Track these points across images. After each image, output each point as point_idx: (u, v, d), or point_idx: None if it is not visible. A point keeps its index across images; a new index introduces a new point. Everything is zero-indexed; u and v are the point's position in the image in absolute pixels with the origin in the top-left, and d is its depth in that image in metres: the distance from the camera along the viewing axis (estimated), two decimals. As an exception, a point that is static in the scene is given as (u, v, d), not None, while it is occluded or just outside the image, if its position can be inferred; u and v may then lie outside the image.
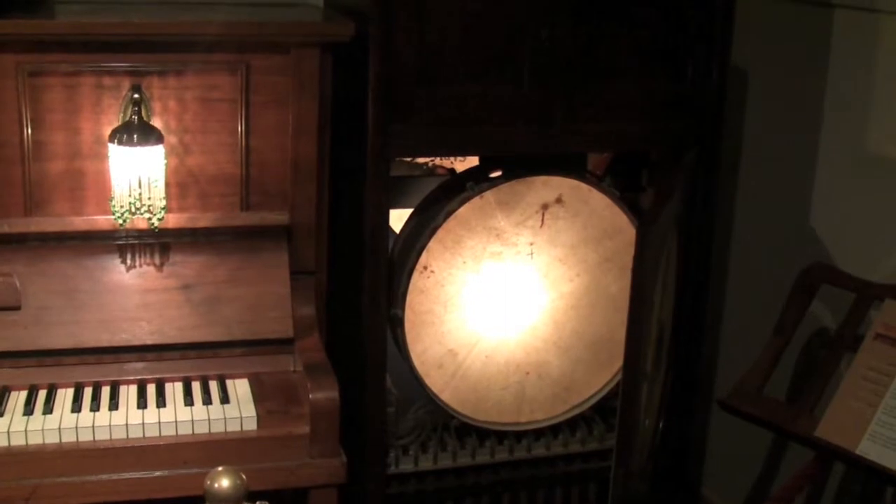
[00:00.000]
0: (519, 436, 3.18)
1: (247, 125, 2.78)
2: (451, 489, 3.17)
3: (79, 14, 2.89)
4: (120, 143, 2.58)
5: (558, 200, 2.98)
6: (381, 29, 2.70)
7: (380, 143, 2.76)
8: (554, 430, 3.23)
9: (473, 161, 3.15)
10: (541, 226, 2.98)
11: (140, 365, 2.76)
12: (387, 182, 2.79)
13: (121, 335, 2.73)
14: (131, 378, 2.73)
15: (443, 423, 3.12)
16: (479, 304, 2.99)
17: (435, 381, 3.01)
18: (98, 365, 2.75)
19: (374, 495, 3.01)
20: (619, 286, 3.11)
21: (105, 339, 2.72)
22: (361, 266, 2.85)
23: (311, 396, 2.57)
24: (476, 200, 2.90)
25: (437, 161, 3.24)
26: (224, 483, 1.97)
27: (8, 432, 2.52)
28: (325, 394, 2.58)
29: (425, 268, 2.90)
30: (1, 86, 2.67)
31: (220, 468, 2.00)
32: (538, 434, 3.20)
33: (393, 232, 2.96)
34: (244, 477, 1.98)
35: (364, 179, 2.79)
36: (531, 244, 2.99)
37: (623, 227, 3.07)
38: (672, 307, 3.04)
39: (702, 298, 3.14)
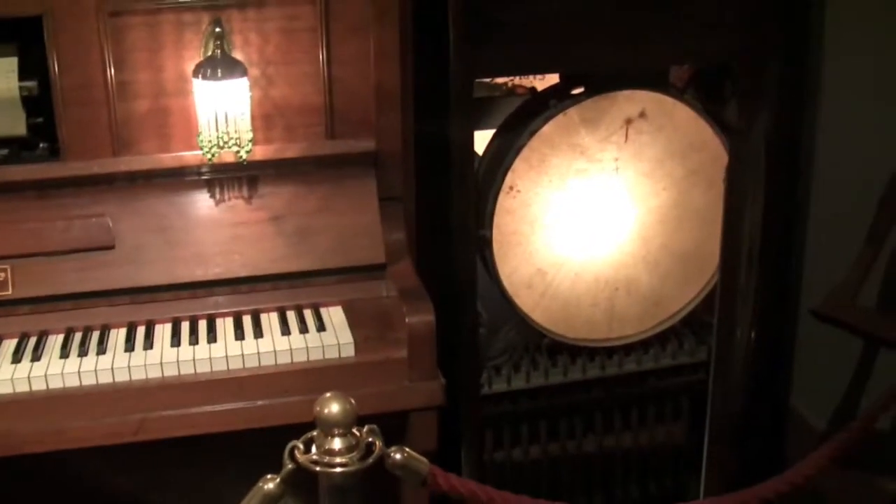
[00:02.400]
0: (610, 352, 3.19)
1: (328, 54, 2.77)
2: (544, 408, 3.19)
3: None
4: (204, 77, 2.58)
5: (642, 115, 2.95)
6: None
7: (462, 65, 2.74)
8: (644, 345, 3.22)
9: (553, 80, 3.11)
10: (625, 141, 2.95)
11: (234, 297, 2.78)
12: (470, 103, 2.78)
13: (214, 269, 2.75)
14: (226, 311, 2.76)
15: (534, 342, 3.12)
16: (566, 222, 2.98)
17: (525, 301, 3.01)
18: (193, 299, 2.77)
19: (470, 416, 3.03)
20: (706, 199, 3.08)
21: (199, 274, 2.74)
22: (448, 189, 2.84)
23: (407, 320, 2.57)
24: (559, 118, 2.88)
25: (517, 80, 3.22)
26: (334, 408, 1.98)
27: (112, 369, 2.55)
28: (421, 317, 2.59)
29: (511, 188, 2.89)
30: (83, 28, 2.67)
31: (328, 394, 2.01)
32: (629, 350, 3.20)
33: (476, 154, 2.94)
34: (353, 401, 1.99)
35: (447, 102, 2.78)
36: (616, 160, 2.97)
37: (707, 140, 3.04)
38: (761, 219, 3.00)
39: (791, 210, 3.10)
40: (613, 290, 3.08)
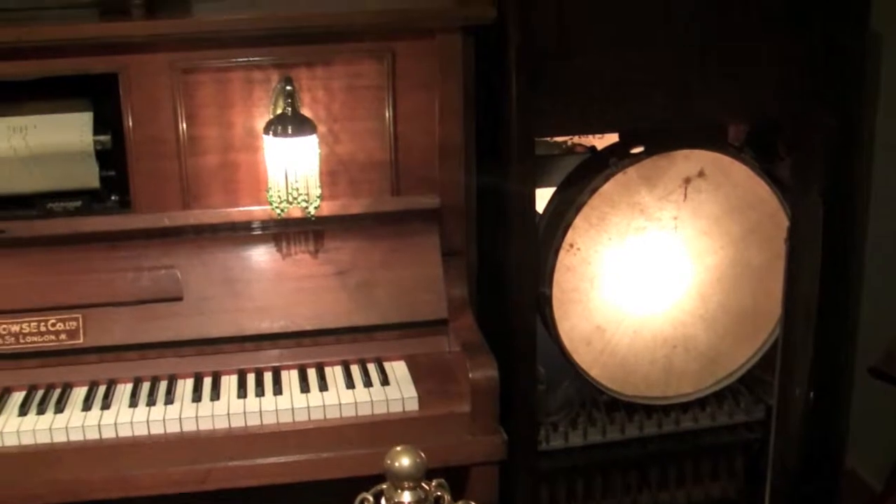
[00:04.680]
0: (667, 409, 3.20)
1: (394, 111, 2.82)
2: (600, 463, 3.20)
3: (217, 10, 2.96)
4: (275, 134, 2.63)
5: (700, 174, 2.98)
6: (519, 7, 2.71)
7: (523, 123, 2.78)
8: (701, 402, 3.23)
9: (612, 138, 3.15)
10: (684, 199, 2.98)
11: (299, 350, 2.82)
12: (532, 161, 2.82)
13: (279, 322, 2.79)
14: (291, 363, 2.80)
15: (591, 399, 3.14)
16: (625, 279, 3.00)
17: (583, 358, 3.03)
18: (258, 351, 2.82)
19: (527, 471, 3.04)
20: (763, 257, 3.10)
21: (264, 326, 2.79)
22: (509, 245, 2.88)
23: (470, 375, 2.60)
24: (619, 176, 2.92)
25: (577, 139, 3.26)
26: (405, 461, 2.01)
27: (180, 419, 2.59)
28: (485, 372, 2.62)
29: (571, 245, 2.92)
30: (156, 84, 2.74)
31: (399, 447, 2.04)
32: (685, 407, 3.21)
33: (536, 211, 2.98)
34: (423, 455, 2.01)
35: (509, 159, 2.82)
36: (675, 218, 2.99)
37: (765, 198, 3.06)
38: (819, 276, 3.02)
39: (848, 266, 3.11)
40: (671, 347, 3.09)
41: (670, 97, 2.84)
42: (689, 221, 3.00)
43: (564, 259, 2.92)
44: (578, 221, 2.91)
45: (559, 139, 3.25)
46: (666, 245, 3.01)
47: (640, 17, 2.77)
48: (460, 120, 2.83)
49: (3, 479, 2.55)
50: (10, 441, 2.57)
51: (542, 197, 3.09)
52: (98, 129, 2.83)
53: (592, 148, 3.22)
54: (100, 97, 2.85)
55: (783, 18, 2.87)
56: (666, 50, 2.80)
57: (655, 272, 3.02)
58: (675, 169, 2.94)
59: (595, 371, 3.05)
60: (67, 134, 2.82)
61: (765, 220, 3.06)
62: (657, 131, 2.98)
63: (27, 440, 2.57)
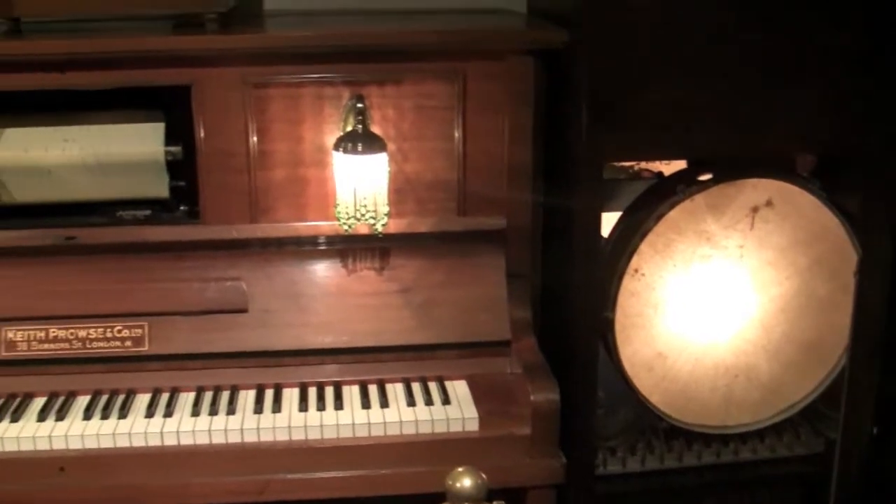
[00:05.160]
0: (726, 439, 3.17)
1: (463, 131, 2.83)
2: (657, 490, 3.18)
3: (289, 26, 3.00)
4: (345, 151, 2.65)
5: (768, 203, 2.96)
6: (590, 34, 2.71)
7: (591, 148, 2.78)
8: (760, 433, 3.20)
9: (679, 164, 3.14)
10: (750, 229, 2.97)
11: (360, 366, 2.83)
12: (599, 186, 2.82)
13: (342, 337, 2.81)
14: (352, 379, 2.81)
15: (651, 425, 3.12)
16: (689, 307, 2.99)
17: (644, 384, 3.02)
18: (320, 365, 2.84)
19: (583, 496, 3.03)
20: (828, 289, 3.07)
21: (327, 341, 2.80)
22: (573, 269, 2.87)
23: (532, 398, 2.60)
24: (686, 203, 2.91)
25: (644, 164, 3.25)
26: (466, 482, 2.01)
27: (241, 429, 2.62)
28: (546, 395, 2.62)
29: (636, 270, 2.91)
30: (228, 98, 2.77)
31: (460, 468, 2.04)
32: (745, 437, 3.18)
33: (601, 235, 2.97)
34: (484, 476, 2.01)
35: (576, 183, 2.82)
36: (740, 247, 2.97)
37: (832, 230, 3.03)
38: (886, 311, 2.99)
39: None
40: (733, 376, 3.07)
41: (740, 127, 2.82)
42: (755, 251, 2.98)
43: (629, 284, 2.91)
44: (644, 247, 2.90)
45: (626, 164, 3.24)
46: (731, 274, 2.99)
47: (711, 45, 2.76)
48: (529, 142, 2.84)
49: (66, 482, 2.59)
50: (75, 444, 2.61)
51: (607, 221, 3.08)
52: (169, 139, 2.86)
53: (659, 174, 3.21)
54: (172, 108, 2.87)
55: (858, 52, 2.84)
56: (736, 79, 2.78)
57: (719, 301, 3.00)
58: (743, 197, 2.92)
59: (655, 397, 3.03)
60: (139, 144, 2.86)
61: (831, 252, 3.03)
62: (725, 159, 2.96)
63: (91, 444, 2.61)
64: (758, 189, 2.95)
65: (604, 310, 2.95)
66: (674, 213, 2.90)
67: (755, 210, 2.96)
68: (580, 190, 2.82)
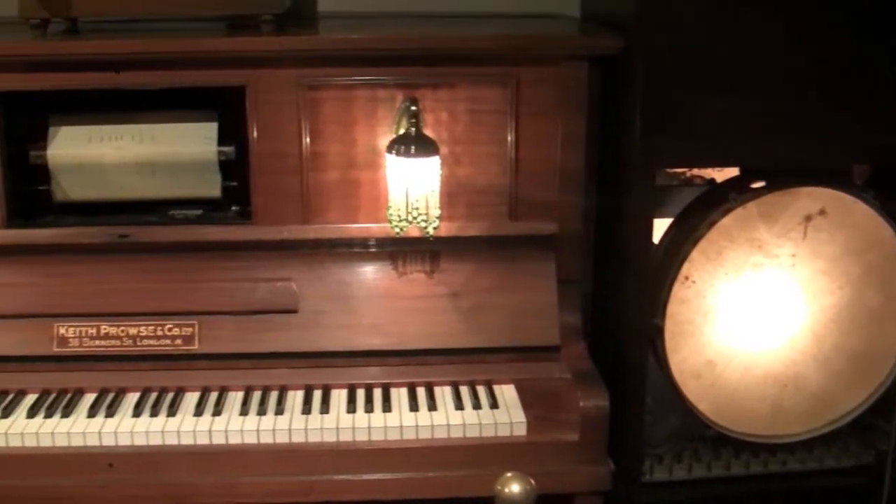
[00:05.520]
0: (774, 448, 3.15)
1: (515, 136, 2.83)
2: (703, 499, 3.16)
3: (342, 28, 3.01)
4: (398, 154, 2.66)
5: (821, 212, 2.94)
6: (646, 40, 2.70)
7: (645, 154, 2.77)
8: (808, 443, 3.18)
9: (732, 171, 3.12)
10: (803, 238, 2.94)
11: (408, 368, 2.84)
12: (652, 193, 2.80)
13: (391, 339, 2.81)
14: (401, 381, 2.82)
15: (698, 433, 3.11)
16: (739, 315, 2.97)
17: (692, 391, 3.00)
18: (368, 367, 2.84)
19: (629, 503, 3.02)
20: (880, 299, 3.05)
21: (376, 343, 2.81)
22: (624, 275, 2.87)
23: (580, 404, 2.60)
24: (739, 211, 2.89)
25: (696, 171, 3.23)
26: (515, 488, 2.03)
27: (289, 429, 2.63)
28: (595, 402, 2.61)
29: (686, 278, 2.90)
30: (282, 99, 2.79)
31: (509, 473, 2.05)
32: (793, 447, 3.16)
33: (651, 241, 2.96)
34: (533, 482, 2.02)
35: (629, 189, 2.81)
36: (793, 256, 2.95)
37: (885, 240, 3.01)
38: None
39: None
40: (782, 386, 3.05)
41: (795, 136, 2.80)
42: (807, 260, 2.96)
43: (679, 291, 2.90)
44: (695, 254, 2.88)
45: (677, 170, 3.22)
46: (782, 283, 2.97)
47: (768, 53, 2.74)
48: (582, 148, 2.83)
49: (114, 478, 2.61)
50: (124, 441, 2.63)
51: (658, 227, 3.07)
52: (222, 140, 2.87)
53: (712, 180, 3.19)
54: (225, 109, 2.89)
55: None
56: (792, 88, 2.76)
57: (770, 309, 2.98)
58: (796, 206, 2.90)
59: (703, 405, 3.01)
60: (192, 144, 2.88)
61: (884, 262, 3.01)
62: (779, 166, 2.94)
63: (140, 441, 2.63)
64: (811, 198, 2.93)
65: (653, 316, 2.94)
66: (726, 221, 2.89)
67: (808, 219, 2.93)
68: (632, 196, 2.81)
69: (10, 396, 2.77)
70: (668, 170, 3.21)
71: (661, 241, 3.04)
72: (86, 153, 2.88)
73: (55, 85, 2.80)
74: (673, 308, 2.93)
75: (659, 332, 2.94)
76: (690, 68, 2.73)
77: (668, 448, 3.10)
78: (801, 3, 2.71)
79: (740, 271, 2.94)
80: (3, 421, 2.66)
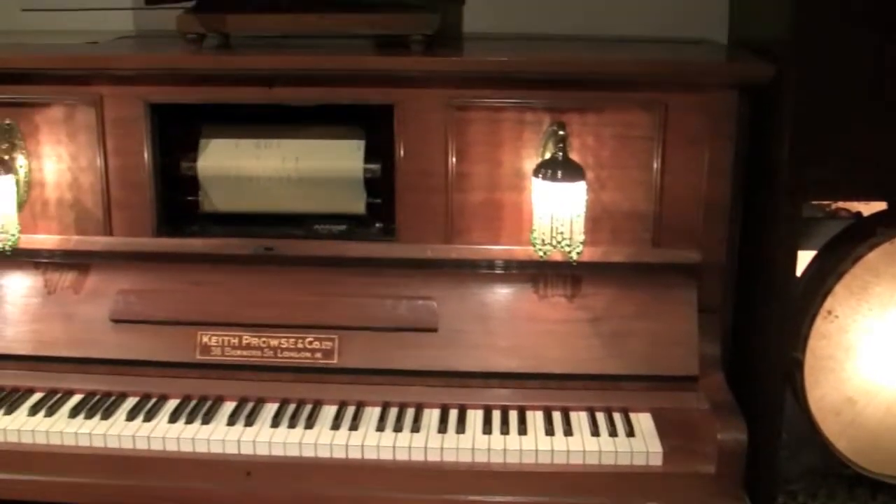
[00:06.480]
0: (912, 491, 3.08)
1: (661, 163, 2.81)
2: (837, 539, 3.10)
3: (487, 49, 3.04)
4: (544, 178, 2.66)
5: (972, 250, 2.87)
6: (799, 69, 2.67)
7: (792, 185, 2.73)
8: (950, 488, 3.10)
9: (879, 205, 3.06)
10: (955, 275, 2.88)
11: (545, 392, 2.83)
12: (798, 225, 2.77)
13: (528, 362, 2.82)
14: (537, 404, 2.81)
15: (834, 472, 3.05)
16: (883, 352, 2.91)
17: (831, 428, 2.95)
18: (504, 389, 2.85)
19: (761, 538, 2.98)
20: None
21: (513, 365, 2.82)
22: (765, 307, 2.83)
23: (719, 436, 2.57)
24: (886, 246, 2.84)
25: (841, 203, 3.18)
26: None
27: (425, 448, 2.64)
28: (734, 435, 2.58)
29: (829, 312, 2.85)
30: (430, 119, 2.81)
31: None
32: (934, 491, 3.09)
33: (795, 274, 2.92)
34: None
35: (774, 220, 2.78)
36: (941, 294, 2.89)
37: None
38: None
39: None
40: (926, 427, 2.98)
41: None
42: (957, 298, 2.89)
43: (821, 326, 2.85)
44: (839, 288, 2.83)
45: (822, 202, 3.17)
46: (930, 322, 2.90)
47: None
48: (728, 177, 2.80)
49: (252, 486, 2.66)
50: (262, 451, 2.67)
51: (800, 259, 3.02)
52: (368, 157, 2.90)
53: (858, 214, 3.13)
54: (371, 126, 2.92)
55: None
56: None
57: (915, 348, 2.92)
58: (947, 243, 2.84)
59: (842, 443, 2.96)
60: (339, 160, 2.92)
61: None
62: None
63: (277, 451, 2.67)
64: (962, 235, 2.86)
65: (793, 350, 2.89)
66: (872, 256, 2.84)
67: (961, 256, 2.87)
68: (778, 227, 2.78)
69: (153, 401, 2.82)
70: (813, 202, 3.16)
71: (804, 273, 3.00)
72: (235, 165, 2.94)
73: (209, 98, 2.87)
74: (814, 342, 2.88)
75: (799, 366, 2.90)
76: (842, 99, 2.69)
77: (803, 485, 3.05)
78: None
79: (885, 307, 2.88)
80: (146, 424, 2.72)
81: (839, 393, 2.93)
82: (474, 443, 2.64)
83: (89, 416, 2.74)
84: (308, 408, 2.78)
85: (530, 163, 2.77)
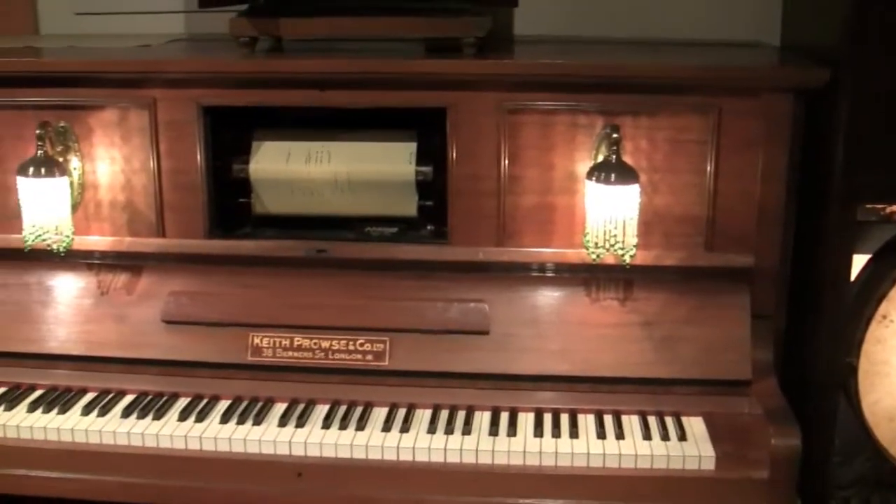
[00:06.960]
0: (967, 500, 3.05)
1: (715, 167, 2.80)
2: (888, 546, 3.07)
3: (539, 52, 3.04)
4: (598, 180, 2.66)
5: None
6: (854, 73, 2.65)
7: (847, 189, 2.71)
8: None
9: (934, 210, 3.03)
10: None
11: (596, 395, 2.82)
12: (853, 229, 2.75)
13: (579, 365, 2.81)
14: (588, 407, 2.81)
15: (888, 479, 3.02)
16: (939, 358, 2.89)
17: (885, 435, 2.92)
18: (555, 392, 2.84)
19: (812, 545, 2.96)
20: None
21: (564, 369, 2.81)
22: (819, 311, 2.81)
23: (772, 442, 2.55)
24: (941, 250, 2.80)
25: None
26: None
27: (476, 450, 2.64)
28: (787, 441, 2.56)
29: (884, 317, 2.83)
30: (483, 122, 2.81)
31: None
32: None
33: (849, 279, 2.90)
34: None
35: (828, 225, 2.76)
36: None
37: None
38: None
39: None
40: (983, 435, 2.95)
41: None
42: None
43: (875, 330, 2.83)
44: (894, 293, 2.81)
45: (877, 206, 3.14)
46: None
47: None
48: (782, 182, 2.79)
49: (303, 487, 2.67)
50: (313, 452, 2.68)
51: (855, 264, 3.00)
52: (420, 160, 2.90)
53: (912, 217, 3.10)
54: (423, 129, 2.93)
55: None
56: None
57: (972, 354, 2.88)
58: None
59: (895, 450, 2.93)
60: (392, 163, 2.92)
61: None
62: None
63: (328, 453, 2.67)
64: None
65: (847, 355, 2.87)
66: (927, 260, 2.81)
67: None
68: (832, 231, 2.76)
69: (205, 401, 2.84)
70: (868, 205, 3.13)
71: (858, 277, 2.97)
72: (287, 168, 2.95)
73: (262, 101, 2.89)
74: (868, 347, 2.86)
75: (853, 371, 2.87)
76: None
77: (855, 492, 3.02)
78: None
79: (941, 312, 2.86)
80: (198, 425, 2.73)
81: (894, 399, 2.91)
82: (525, 446, 2.64)
83: (141, 416, 2.76)
84: (359, 409, 2.79)
85: (583, 166, 2.77)
